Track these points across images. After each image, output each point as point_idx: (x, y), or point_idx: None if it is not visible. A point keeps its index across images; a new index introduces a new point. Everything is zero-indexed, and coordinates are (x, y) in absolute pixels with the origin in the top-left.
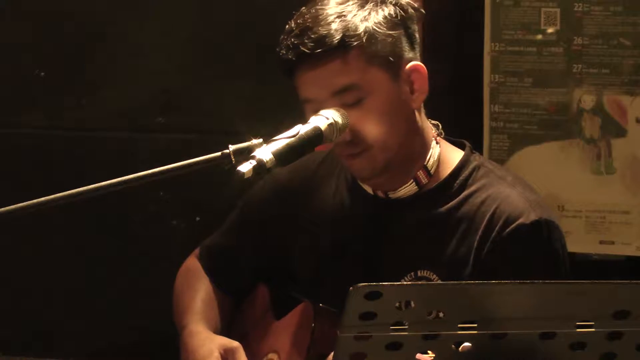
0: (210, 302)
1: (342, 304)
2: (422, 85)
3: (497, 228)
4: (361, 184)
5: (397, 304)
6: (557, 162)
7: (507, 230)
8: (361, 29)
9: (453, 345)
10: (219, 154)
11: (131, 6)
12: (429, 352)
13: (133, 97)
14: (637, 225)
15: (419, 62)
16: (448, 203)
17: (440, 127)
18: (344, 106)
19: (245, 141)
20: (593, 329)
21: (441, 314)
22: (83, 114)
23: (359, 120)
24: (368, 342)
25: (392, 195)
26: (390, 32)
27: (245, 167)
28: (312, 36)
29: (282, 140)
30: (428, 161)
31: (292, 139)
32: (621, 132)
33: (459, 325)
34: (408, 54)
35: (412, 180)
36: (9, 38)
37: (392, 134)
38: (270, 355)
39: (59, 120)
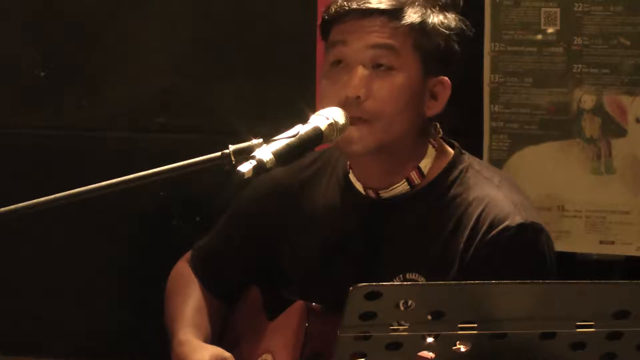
0: (201, 309)
1: (334, 303)
2: (440, 100)
3: (482, 231)
4: (353, 182)
5: (397, 305)
6: (557, 162)
7: (492, 233)
8: (430, 20)
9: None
10: (219, 154)
11: (131, 6)
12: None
13: (133, 97)
14: (637, 225)
15: (449, 81)
16: (436, 205)
17: (439, 126)
18: (373, 66)
19: (245, 141)
20: (593, 329)
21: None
22: (83, 114)
23: (381, 84)
24: (368, 342)
25: (383, 194)
26: (444, 40)
27: (245, 167)
28: None
29: (282, 140)
30: (422, 162)
31: (292, 139)
32: (621, 132)
33: (459, 325)
34: (443, 67)
35: (404, 180)
36: (9, 38)
37: (398, 118)
38: (265, 356)
39: (59, 120)
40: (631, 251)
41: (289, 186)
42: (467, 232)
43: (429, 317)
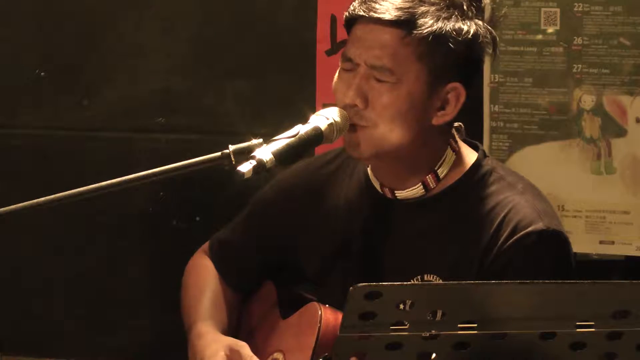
0: (218, 301)
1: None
2: (452, 108)
3: (504, 236)
4: (371, 179)
5: (397, 305)
6: (557, 162)
7: (514, 238)
8: (443, 29)
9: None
10: (219, 154)
11: (131, 6)
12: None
13: (133, 97)
14: (637, 225)
15: (463, 87)
16: (456, 208)
17: (463, 128)
18: (374, 78)
19: (245, 141)
20: (593, 329)
21: (438, 316)
22: (83, 114)
23: (379, 94)
24: (368, 342)
25: (399, 195)
26: (458, 48)
27: (245, 167)
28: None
29: (282, 140)
30: (439, 167)
31: (292, 139)
32: (621, 132)
33: (459, 325)
34: (458, 75)
35: (419, 183)
36: (9, 38)
37: (397, 128)
38: (276, 355)
39: (59, 120)
40: (631, 251)
41: (311, 183)
42: (488, 236)
43: (429, 317)
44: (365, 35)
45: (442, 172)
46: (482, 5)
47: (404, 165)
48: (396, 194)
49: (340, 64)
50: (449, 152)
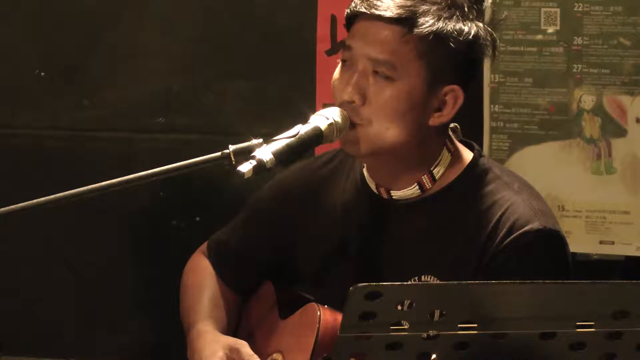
0: (218, 301)
1: (344, 304)
2: (449, 110)
3: (500, 235)
4: (367, 180)
5: (397, 305)
6: (557, 162)
7: (511, 237)
8: (444, 29)
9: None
10: (219, 154)
11: (131, 6)
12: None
13: (133, 97)
14: (637, 225)
15: (461, 89)
16: (452, 208)
17: (459, 129)
18: (373, 72)
19: (245, 141)
20: (593, 329)
21: (436, 316)
22: (83, 114)
23: (377, 92)
24: (368, 342)
25: (395, 195)
26: (458, 49)
27: (245, 167)
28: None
29: (282, 140)
30: (435, 167)
31: (292, 139)
32: (621, 132)
33: (459, 325)
34: (457, 77)
35: (415, 183)
36: (9, 38)
37: (394, 126)
38: (275, 355)
39: (59, 120)
40: (631, 251)
41: (309, 184)
42: (485, 235)
43: (429, 317)
44: (366, 31)
45: (437, 172)
46: (483, 7)
47: (400, 164)
48: (392, 194)
49: (339, 63)
50: (445, 152)
